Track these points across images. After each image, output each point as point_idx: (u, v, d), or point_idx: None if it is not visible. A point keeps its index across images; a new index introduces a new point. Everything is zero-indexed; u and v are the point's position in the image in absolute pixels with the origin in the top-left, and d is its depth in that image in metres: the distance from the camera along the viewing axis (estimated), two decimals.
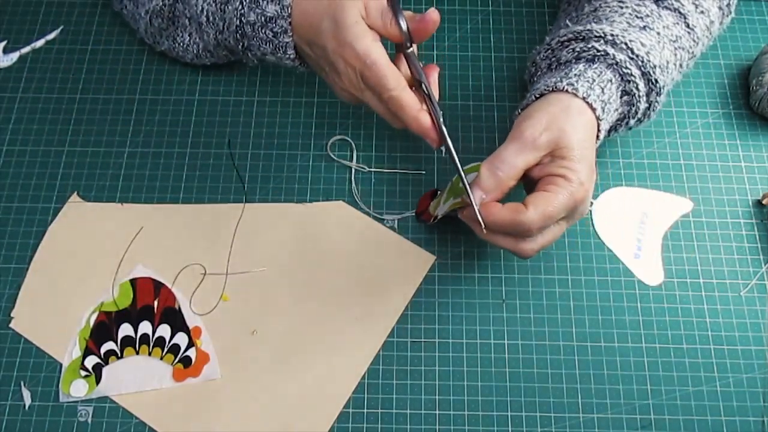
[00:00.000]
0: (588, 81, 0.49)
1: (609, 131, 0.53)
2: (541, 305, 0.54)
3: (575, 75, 0.49)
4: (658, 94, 0.51)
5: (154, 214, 0.57)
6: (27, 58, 0.64)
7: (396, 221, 0.57)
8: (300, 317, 0.53)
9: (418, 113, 0.48)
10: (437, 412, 0.51)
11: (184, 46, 0.58)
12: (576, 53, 0.51)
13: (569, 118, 0.47)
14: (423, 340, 0.53)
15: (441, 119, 0.48)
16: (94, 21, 0.65)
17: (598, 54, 0.50)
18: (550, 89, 0.49)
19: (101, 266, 0.55)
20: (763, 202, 0.57)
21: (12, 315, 0.53)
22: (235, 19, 0.52)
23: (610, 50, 0.50)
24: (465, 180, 0.47)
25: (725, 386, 0.52)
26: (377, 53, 0.47)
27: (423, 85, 0.49)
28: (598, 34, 0.50)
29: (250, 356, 0.52)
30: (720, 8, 0.55)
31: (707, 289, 0.55)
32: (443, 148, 0.49)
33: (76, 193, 0.58)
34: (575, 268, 0.55)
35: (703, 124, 0.61)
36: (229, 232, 0.56)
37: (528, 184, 0.49)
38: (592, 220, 0.57)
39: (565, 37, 0.52)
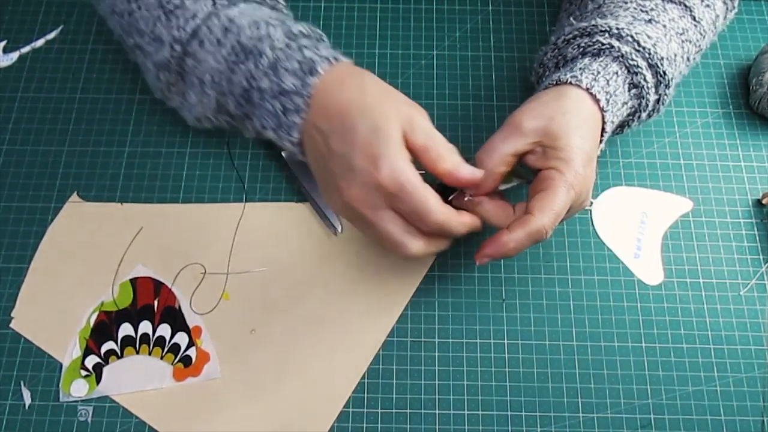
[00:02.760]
0: (593, 73, 0.48)
1: (622, 126, 0.53)
2: (541, 305, 0.54)
3: (579, 69, 0.49)
4: (667, 86, 0.51)
5: (154, 214, 0.57)
6: (27, 58, 0.64)
7: None
8: (300, 317, 0.53)
9: (460, 219, 0.45)
10: (437, 412, 0.51)
11: (189, 106, 0.51)
12: (581, 48, 0.51)
13: (560, 105, 0.46)
14: (423, 340, 0.53)
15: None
16: (94, 21, 0.65)
17: (604, 47, 0.49)
18: (554, 83, 0.48)
19: (101, 266, 0.55)
20: (763, 201, 0.57)
21: (12, 315, 0.53)
22: (244, 81, 0.46)
23: (616, 43, 0.49)
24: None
25: (725, 386, 0.52)
26: (416, 177, 0.42)
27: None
28: (603, 29, 0.50)
29: (251, 356, 0.52)
30: (724, 2, 0.55)
31: (707, 289, 0.55)
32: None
33: (76, 193, 0.58)
34: (575, 268, 0.55)
35: (703, 124, 0.61)
36: (229, 232, 0.56)
37: (528, 174, 0.48)
38: (592, 219, 0.57)
39: (570, 35, 0.52)
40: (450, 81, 0.63)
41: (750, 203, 0.58)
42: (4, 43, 0.64)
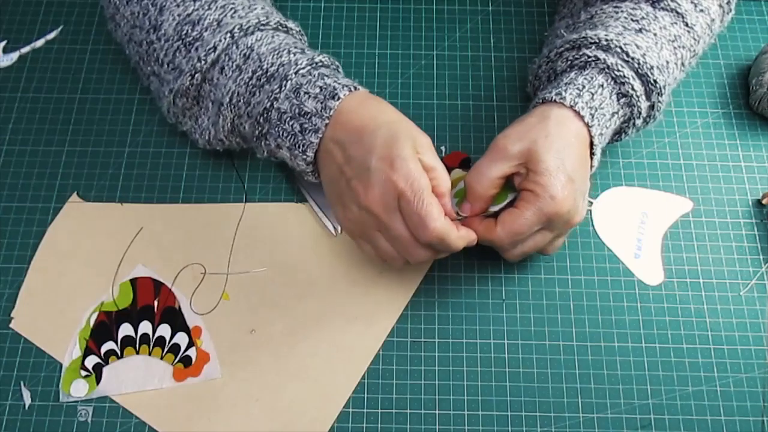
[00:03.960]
0: (577, 88, 0.49)
1: (619, 134, 0.54)
2: (541, 305, 0.54)
3: (565, 84, 0.50)
4: (660, 93, 0.51)
5: (154, 214, 0.57)
6: (27, 58, 0.64)
7: None
8: (300, 317, 0.53)
9: (458, 233, 0.46)
10: (437, 412, 0.51)
11: (200, 130, 0.54)
12: (569, 62, 0.52)
13: (544, 128, 0.47)
14: (423, 340, 0.53)
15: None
16: (94, 21, 0.66)
17: (590, 60, 0.50)
18: (541, 101, 0.50)
19: (101, 266, 0.55)
20: (763, 202, 0.57)
21: (12, 315, 0.53)
22: (265, 101, 0.48)
23: (601, 55, 0.50)
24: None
25: (725, 386, 0.52)
26: (426, 183, 0.45)
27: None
28: (591, 41, 0.51)
29: (251, 356, 0.52)
30: (720, 6, 0.55)
31: (707, 289, 0.55)
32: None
33: (76, 193, 0.58)
34: (575, 268, 0.55)
35: (703, 124, 0.61)
36: (229, 232, 0.56)
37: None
38: (591, 220, 0.57)
39: (561, 48, 0.53)
40: (450, 81, 0.63)
41: (750, 203, 0.58)
42: (4, 43, 0.64)
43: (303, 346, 0.52)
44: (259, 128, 0.50)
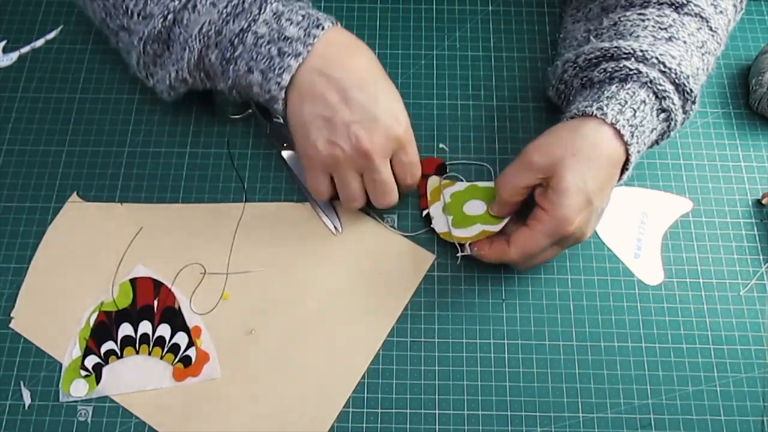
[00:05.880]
0: (619, 104, 0.48)
1: (650, 146, 0.53)
2: (541, 305, 0.54)
3: (606, 98, 0.49)
4: (693, 102, 0.51)
5: (154, 214, 0.57)
6: (27, 58, 0.64)
7: (396, 220, 0.57)
8: (300, 317, 0.53)
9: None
10: (437, 412, 0.51)
11: (165, 73, 0.52)
12: (608, 74, 0.50)
13: (574, 145, 0.47)
14: (423, 339, 0.53)
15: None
16: None
17: (631, 73, 0.49)
18: (580, 113, 0.49)
19: (101, 266, 0.55)
20: (763, 201, 0.57)
21: (12, 315, 0.53)
22: (244, 22, 0.48)
23: (643, 68, 0.49)
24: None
25: (725, 386, 0.52)
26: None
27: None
28: (627, 51, 0.50)
29: (251, 356, 0.52)
30: (734, 5, 0.55)
31: (707, 289, 0.55)
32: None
33: (76, 193, 0.58)
34: (575, 268, 0.55)
35: (703, 124, 0.61)
36: (229, 232, 0.56)
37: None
38: None
39: (592, 55, 0.51)
40: (450, 81, 0.63)
41: (750, 203, 0.58)
42: (4, 43, 0.64)
43: (303, 346, 0.52)
44: (231, 51, 0.48)
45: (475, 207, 0.54)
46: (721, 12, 0.53)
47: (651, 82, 0.49)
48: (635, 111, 0.48)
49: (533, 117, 0.61)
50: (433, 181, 0.57)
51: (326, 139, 0.48)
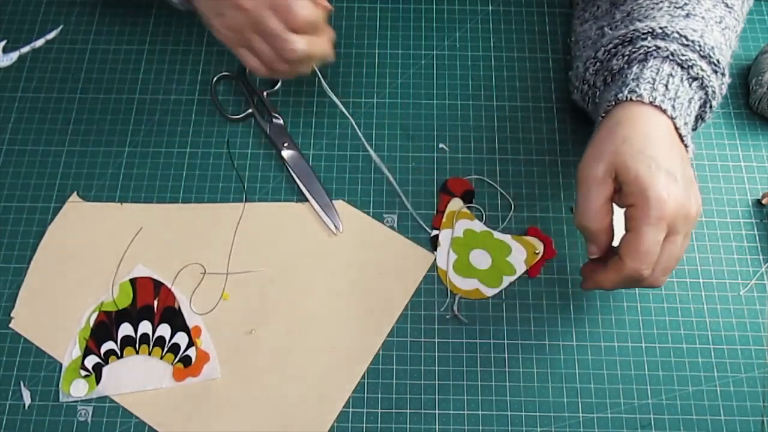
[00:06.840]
0: (649, 82, 0.46)
1: (696, 120, 0.51)
2: (541, 305, 0.54)
3: (633, 80, 0.47)
4: (723, 74, 0.49)
5: (154, 214, 0.57)
6: (27, 58, 0.64)
7: (396, 220, 0.57)
8: (300, 317, 0.53)
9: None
10: (437, 412, 0.51)
11: None
12: (626, 57, 0.49)
13: (618, 134, 0.44)
14: (423, 340, 0.53)
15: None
16: (94, 21, 0.66)
17: (650, 50, 0.47)
18: (613, 103, 0.47)
19: (101, 266, 0.55)
20: (763, 202, 0.57)
21: (12, 315, 0.53)
22: None
23: (661, 44, 0.47)
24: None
25: (725, 386, 0.52)
26: None
27: None
28: (644, 31, 0.48)
29: (250, 356, 0.52)
30: None
31: (707, 289, 0.55)
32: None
33: (76, 193, 0.58)
34: (575, 268, 0.55)
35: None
36: (229, 232, 0.56)
37: None
38: None
39: (611, 45, 0.50)
40: (450, 81, 0.63)
41: (750, 203, 0.58)
42: (4, 43, 0.64)
43: (303, 345, 0.52)
44: None
45: (482, 259, 0.54)
46: None
47: (672, 54, 0.47)
48: (666, 86, 0.46)
49: (533, 117, 0.61)
50: (454, 204, 0.56)
51: (217, 13, 0.49)
